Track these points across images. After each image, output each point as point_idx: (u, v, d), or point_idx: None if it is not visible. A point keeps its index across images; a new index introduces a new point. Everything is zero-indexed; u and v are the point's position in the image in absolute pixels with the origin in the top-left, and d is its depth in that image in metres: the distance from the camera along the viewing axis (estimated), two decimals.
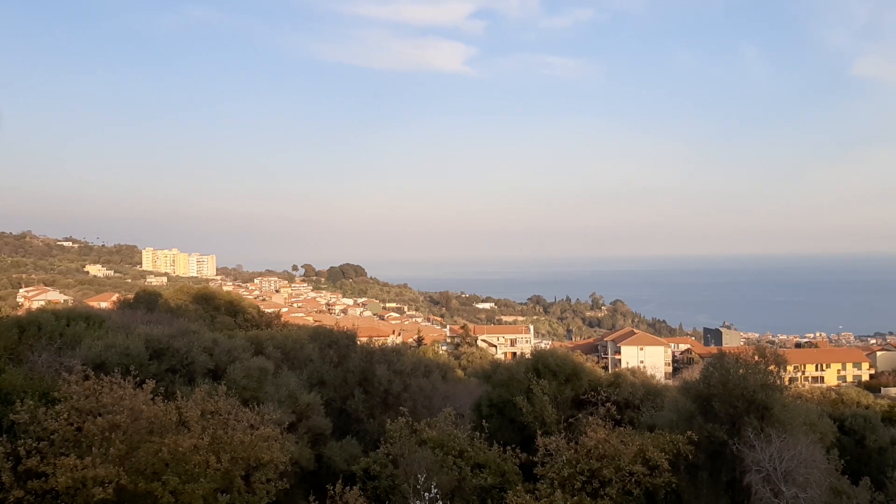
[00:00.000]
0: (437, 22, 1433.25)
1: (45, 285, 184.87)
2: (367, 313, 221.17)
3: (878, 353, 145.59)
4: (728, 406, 23.27)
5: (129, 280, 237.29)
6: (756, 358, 26.62)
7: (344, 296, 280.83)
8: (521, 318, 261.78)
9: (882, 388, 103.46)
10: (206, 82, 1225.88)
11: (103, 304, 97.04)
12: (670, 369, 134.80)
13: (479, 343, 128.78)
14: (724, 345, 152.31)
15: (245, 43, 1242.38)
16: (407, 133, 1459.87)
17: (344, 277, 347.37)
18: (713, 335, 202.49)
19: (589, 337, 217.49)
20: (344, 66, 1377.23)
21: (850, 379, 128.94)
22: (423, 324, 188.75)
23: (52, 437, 17.55)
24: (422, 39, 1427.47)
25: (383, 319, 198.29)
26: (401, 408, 24.92)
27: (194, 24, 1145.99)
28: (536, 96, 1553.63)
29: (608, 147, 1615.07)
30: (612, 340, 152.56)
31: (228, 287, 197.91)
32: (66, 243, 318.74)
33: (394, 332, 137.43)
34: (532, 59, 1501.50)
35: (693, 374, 52.85)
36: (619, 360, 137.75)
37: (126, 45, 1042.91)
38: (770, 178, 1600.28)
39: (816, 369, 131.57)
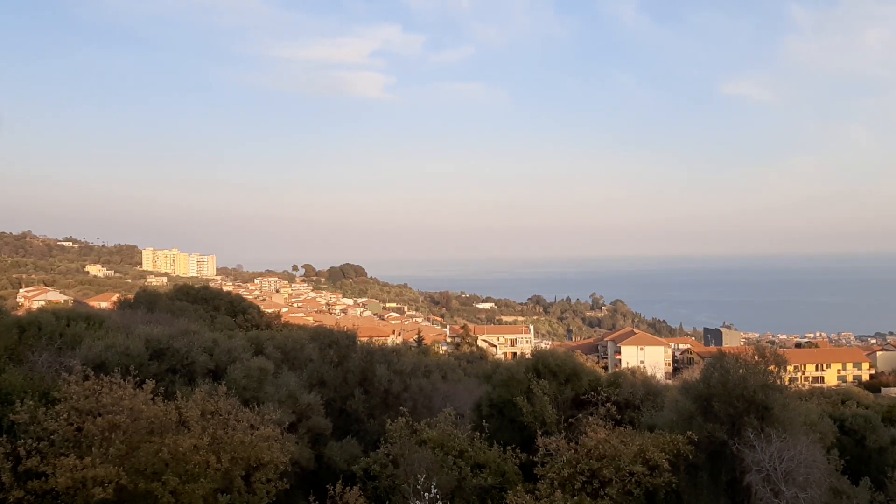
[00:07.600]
0: (345, 60, 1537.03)
1: (45, 285, 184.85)
2: (367, 313, 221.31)
3: (878, 353, 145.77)
4: (728, 406, 23.23)
5: (129, 280, 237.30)
6: (756, 358, 26.51)
7: (344, 296, 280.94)
8: (521, 318, 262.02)
9: (882, 388, 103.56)
10: (195, 94, 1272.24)
11: (103, 304, 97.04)
12: (670, 369, 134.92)
13: (480, 343, 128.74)
14: (724, 345, 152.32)
15: (204, 73, 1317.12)
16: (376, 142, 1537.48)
17: (344, 277, 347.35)
18: (713, 335, 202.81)
19: (589, 337, 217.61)
20: (285, 94, 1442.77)
21: (850, 379, 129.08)
22: (424, 324, 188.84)
23: (52, 437, 17.52)
24: (340, 72, 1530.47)
25: (383, 319, 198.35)
26: (401, 408, 24.87)
27: (164, 61, 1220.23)
28: (464, 114, 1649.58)
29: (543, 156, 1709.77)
30: (613, 340, 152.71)
31: (228, 287, 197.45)
32: (66, 243, 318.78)
33: (394, 332, 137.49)
34: (446, 85, 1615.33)
35: (693, 374, 52.83)
36: (620, 360, 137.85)
37: (108, 62, 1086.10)
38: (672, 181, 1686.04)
39: (816, 369, 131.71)
